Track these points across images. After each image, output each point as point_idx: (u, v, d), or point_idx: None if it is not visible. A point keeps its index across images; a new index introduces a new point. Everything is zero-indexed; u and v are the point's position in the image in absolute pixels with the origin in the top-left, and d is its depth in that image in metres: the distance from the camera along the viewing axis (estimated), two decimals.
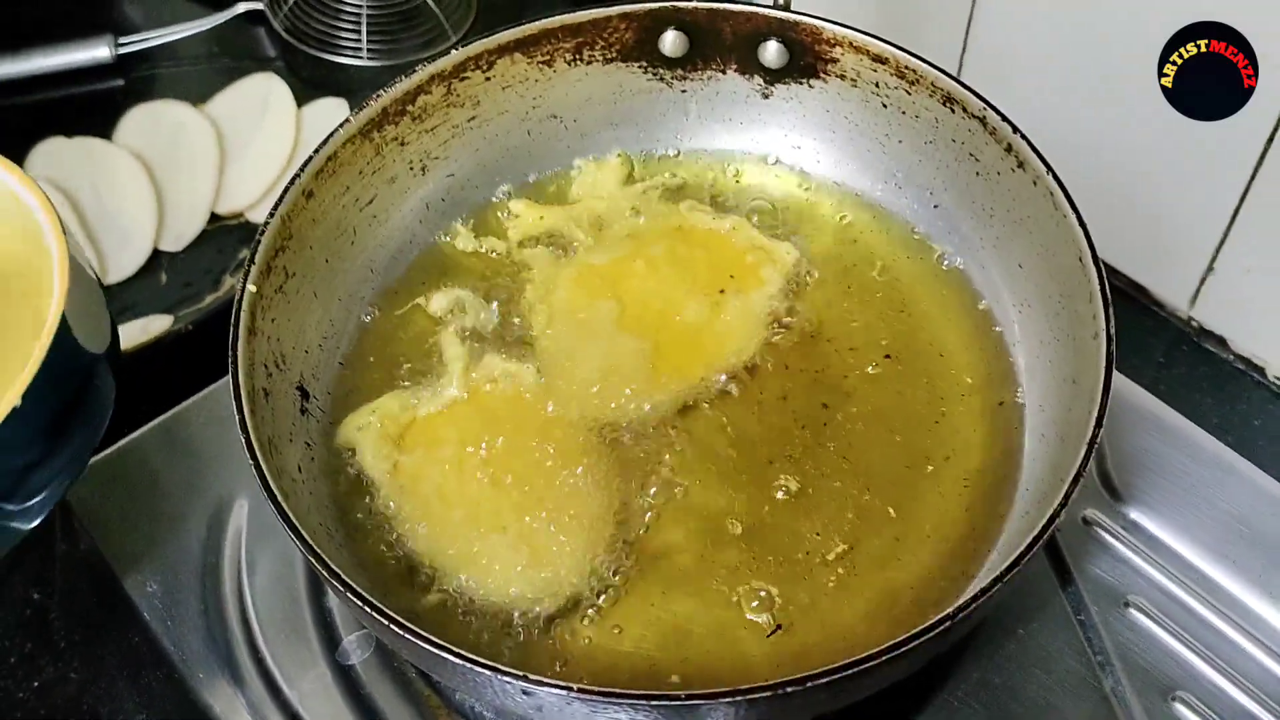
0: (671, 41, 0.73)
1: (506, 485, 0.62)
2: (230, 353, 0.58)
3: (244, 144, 0.99)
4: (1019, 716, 0.62)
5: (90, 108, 1.02)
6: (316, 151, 0.66)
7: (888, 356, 0.68)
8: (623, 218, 0.74)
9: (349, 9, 1.06)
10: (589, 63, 0.74)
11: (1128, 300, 0.85)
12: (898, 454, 0.65)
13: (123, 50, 1.05)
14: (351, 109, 0.97)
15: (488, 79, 0.72)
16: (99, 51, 1.04)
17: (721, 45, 0.73)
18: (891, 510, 0.63)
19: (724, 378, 0.67)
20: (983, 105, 0.66)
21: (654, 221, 0.73)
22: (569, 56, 0.73)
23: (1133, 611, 0.66)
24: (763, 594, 0.60)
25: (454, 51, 0.70)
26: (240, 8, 1.07)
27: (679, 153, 0.78)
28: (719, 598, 0.60)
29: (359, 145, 0.68)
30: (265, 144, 0.98)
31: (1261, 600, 0.66)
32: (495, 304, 0.71)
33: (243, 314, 0.59)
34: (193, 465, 0.72)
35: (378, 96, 0.68)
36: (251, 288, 0.60)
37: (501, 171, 0.75)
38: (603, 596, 0.60)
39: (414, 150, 0.71)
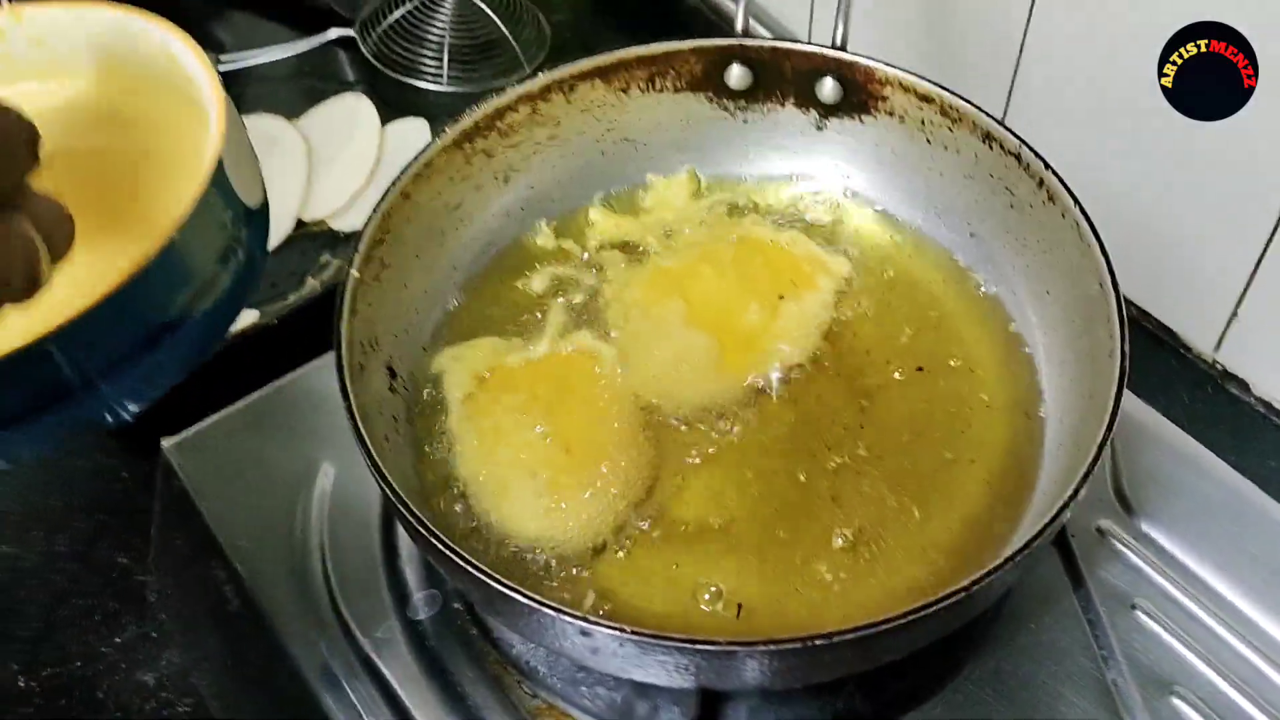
0: (737, 75, 0.80)
1: (553, 439, 0.69)
2: (335, 329, 0.64)
3: (331, 157, 1.06)
4: (1028, 702, 0.67)
5: None
6: (415, 158, 0.73)
7: (920, 369, 0.74)
8: (691, 228, 0.80)
9: (433, 38, 1.13)
10: (660, 91, 0.80)
11: (1156, 343, 0.89)
12: (925, 456, 0.70)
13: (223, 68, 1.12)
14: (432, 130, 1.05)
15: (569, 101, 0.79)
16: None
17: (782, 80, 0.80)
18: (916, 507, 0.68)
19: (775, 375, 0.73)
20: (1018, 143, 0.72)
21: (720, 231, 0.80)
22: (643, 84, 0.80)
23: (1138, 613, 0.70)
24: (786, 575, 0.65)
25: (540, 75, 0.77)
26: (332, 33, 1.15)
27: (739, 176, 0.84)
28: (734, 572, 0.65)
29: (451, 154, 0.75)
30: (351, 158, 1.05)
31: (1259, 610, 0.70)
32: (594, 277, 0.78)
33: (346, 295, 0.66)
34: (283, 438, 0.79)
35: (470, 111, 0.75)
36: (355, 273, 0.67)
37: (577, 185, 0.82)
38: (620, 551, 0.66)
39: (499, 162, 0.78)
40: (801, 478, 0.70)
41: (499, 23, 1.13)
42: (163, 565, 0.82)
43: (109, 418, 0.54)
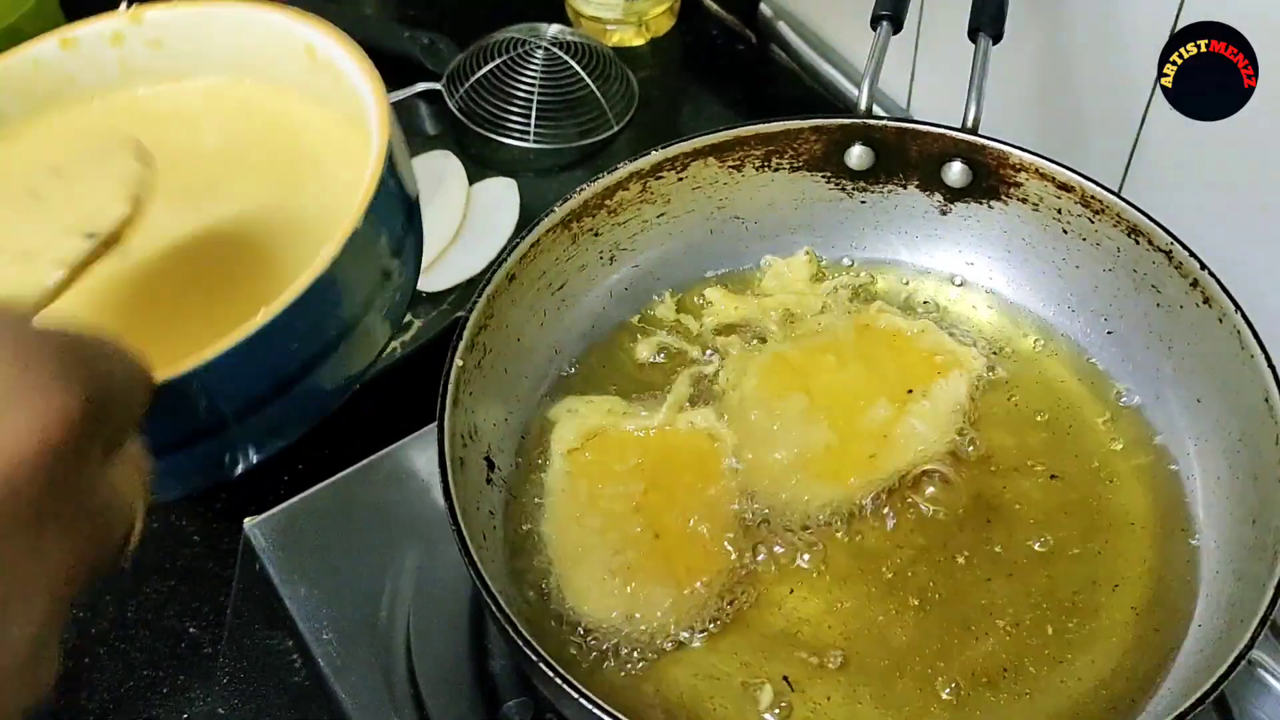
0: (858, 155, 0.76)
1: (646, 519, 0.66)
2: (438, 424, 0.61)
3: None
4: None
5: None
6: (521, 238, 0.69)
7: (1054, 477, 0.69)
8: (813, 313, 0.76)
9: (521, 94, 1.11)
10: (776, 169, 0.77)
11: None
12: (1063, 577, 0.65)
13: None
14: (521, 191, 1.02)
15: (680, 179, 0.75)
16: None
17: (906, 162, 0.76)
18: (1055, 633, 0.63)
19: (899, 479, 0.68)
20: (1170, 239, 0.67)
21: (844, 318, 0.75)
22: (758, 163, 0.76)
23: None
24: (897, 704, 0.61)
25: (653, 152, 0.74)
26: (419, 87, 1.13)
27: (856, 259, 0.80)
28: (832, 695, 0.61)
29: (559, 234, 0.72)
30: (437, 217, 1.03)
31: None
32: (712, 357, 0.75)
33: (449, 387, 0.62)
34: (368, 521, 0.75)
35: (580, 190, 0.72)
36: (459, 362, 0.63)
37: (685, 265, 0.78)
38: (691, 651, 0.63)
39: (606, 241, 0.75)
40: (920, 593, 0.65)
41: (588, 80, 1.10)
42: (238, 646, 0.78)
43: (228, 465, 0.50)
